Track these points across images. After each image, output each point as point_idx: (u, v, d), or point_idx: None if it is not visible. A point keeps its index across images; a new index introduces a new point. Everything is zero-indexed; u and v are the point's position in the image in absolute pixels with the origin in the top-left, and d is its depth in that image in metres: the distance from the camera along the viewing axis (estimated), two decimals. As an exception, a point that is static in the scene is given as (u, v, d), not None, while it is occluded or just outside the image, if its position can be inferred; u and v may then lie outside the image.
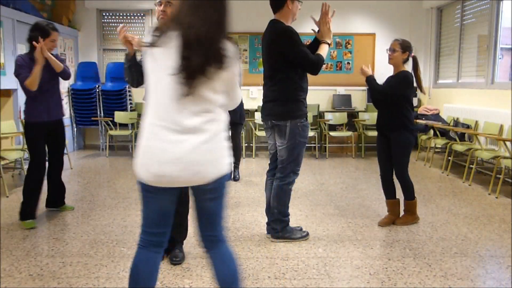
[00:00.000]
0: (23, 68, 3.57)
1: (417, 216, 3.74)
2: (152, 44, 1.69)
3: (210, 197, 1.83)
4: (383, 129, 3.64)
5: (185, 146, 1.69)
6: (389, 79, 3.62)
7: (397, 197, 3.71)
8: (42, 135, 3.75)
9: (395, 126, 3.53)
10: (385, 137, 3.63)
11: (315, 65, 3.04)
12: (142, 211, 1.87)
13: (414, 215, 3.70)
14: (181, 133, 1.70)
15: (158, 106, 1.72)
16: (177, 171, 1.70)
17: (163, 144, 1.70)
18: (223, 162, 1.79)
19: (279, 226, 3.28)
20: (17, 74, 3.61)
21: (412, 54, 3.59)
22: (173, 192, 1.82)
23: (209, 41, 1.64)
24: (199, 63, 1.63)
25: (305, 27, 7.87)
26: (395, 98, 3.51)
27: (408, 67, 3.60)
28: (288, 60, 3.05)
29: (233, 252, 1.94)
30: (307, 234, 3.37)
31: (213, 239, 1.91)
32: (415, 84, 3.58)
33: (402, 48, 3.51)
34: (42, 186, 3.74)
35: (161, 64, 1.68)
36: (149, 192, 1.81)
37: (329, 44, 3.17)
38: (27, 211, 3.65)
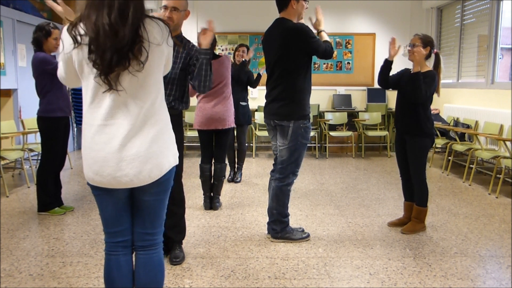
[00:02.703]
0: (51, 58, 3.75)
1: (425, 226, 3.53)
2: (75, 44, 1.61)
3: (152, 191, 1.80)
4: (403, 132, 3.46)
5: (115, 144, 1.65)
6: (412, 75, 3.35)
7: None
8: (60, 129, 3.91)
9: (417, 129, 3.35)
10: (403, 139, 3.47)
11: (329, 52, 3.13)
12: (99, 212, 1.87)
13: (422, 223, 3.51)
14: (112, 131, 1.65)
15: (89, 104, 1.68)
16: (114, 172, 1.67)
17: (96, 146, 1.67)
18: (165, 159, 1.75)
19: (278, 226, 3.28)
20: (52, 67, 3.64)
21: (435, 50, 3.40)
22: (121, 190, 1.78)
23: (113, 34, 1.55)
24: (108, 58, 1.56)
25: (305, 27, 7.82)
26: (425, 99, 3.30)
27: (430, 64, 3.44)
28: (300, 56, 3.07)
29: (162, 261, 1.92)
30: (308, 235, 3.36)
31: (148, 239, 1.87)
32: None
33: (423, 43, 3.32)
34: (57, 177, 4.01)
35: (85, 62, 1.63)
36: (99, 191, 1.79)
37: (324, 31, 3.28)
38: (48, 201, 3.92)
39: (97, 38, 1.56)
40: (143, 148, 1.68)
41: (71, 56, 1.66)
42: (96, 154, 1.68)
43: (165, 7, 2.62)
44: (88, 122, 1.70)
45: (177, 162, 1.84)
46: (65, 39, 1.65)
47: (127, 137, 1.66)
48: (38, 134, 5.47)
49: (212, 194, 4.19)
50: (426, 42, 3.34)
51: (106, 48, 1.55)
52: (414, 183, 3.48)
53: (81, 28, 1.60)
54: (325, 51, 3.10)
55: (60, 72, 1.75)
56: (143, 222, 1.86)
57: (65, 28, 1.66)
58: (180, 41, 2.73)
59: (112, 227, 1.85)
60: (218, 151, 4.19)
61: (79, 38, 1.59)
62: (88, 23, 1.58)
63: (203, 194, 4.20)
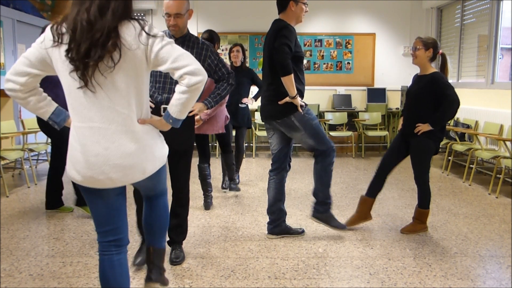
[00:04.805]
0: None
1: (426, 226, 3.52)
2: (54, 43, 1.64)
3: (143, 185, 1.92)
4: (409, 134, 3.39)
5: (98, 149, 1.67)
6: (420, 79, 3.37)
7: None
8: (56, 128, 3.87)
9: (424, 131, 3.30)
10: (405, 141, 3.45)
11: (284, 67, 2.96)
12: (90, 212, 1.89)
13: (423, 224, 3.50)
14: (95, 134, 1.67)
15: (67, 100, 1.72)
16: (96, 175, 1.69)
17: (80, 147, 1.70)
18: (149, 163, 1.77)
19: (322, 207, 3.33)
20: None
21: (440, 51, 3.37)
22: (110, 190, 1.80)
23: (90, 27, 1.57)
24: (83, 50, 1.57)
25: (305, 27, 7.88)
26: (457, 97, 3.24)
27: (435, 66, 3.42)
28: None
29: (167, 205, 2.12)
30: (344, 226, 3.45)
31: (151, 194, 2.04)
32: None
33: (425, 45, 3.30)
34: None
35: (60, 61, 1.65)
36: (87, 191, 1.81)
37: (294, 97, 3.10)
38: (58, 199, 4.00)
39: (75, 33, 1.58)
40: (127, 156, 1.69)
41: (47, 51, 1.67)
42: (79, 155, 1.70)
43: (168, 15, 2.61)
44: (72, 121, 1.74)
45: (162, 164, 1.86)
46: (47, 35, 1.67)
47: (110, 141, 1.67)
48: (38, 134, 5.51)
49: (226, 179, 4.61)
50: (428, 44, 3.32)
51: (81, 41, 1.57)
52: (416, 186, 3.47)
53: (64, 27, 1.63)
54: (283, 63, 2.94)
55: (24, 55, 1.72)
56: (145, 192, 2.02)
57: (49, 26, 1.69)
58: (187, 41, 2.73)
59: (104, 226, 1.87)
60: (222, 146, 4.49)
61: (57, 37, 1.62)
62: (69, 19, 1.61)
63: (203, 194, 4.21)
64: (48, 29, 1.68)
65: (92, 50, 1.57)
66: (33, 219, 3.82)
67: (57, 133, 3.85)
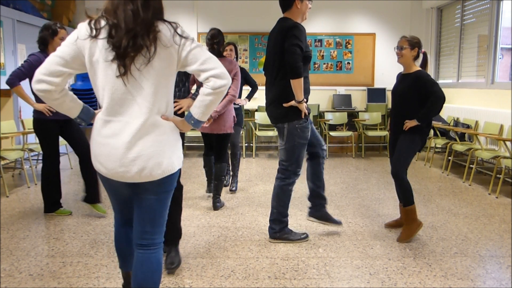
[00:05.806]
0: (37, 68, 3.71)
1: (420, 222, 3.37)
2: (92, 36, 1.67)
3: (153, 190, 1.83)
4: (397, 132, 3.42)
5: (120, 142, 1.71)
6: (404, 78, 3.41)
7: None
8: (54, 131, 3.82)
9: (411, 128, 3.32)
10: (397, 140, 3.44)
11: (295, 70, 2.92)
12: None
13: (416, 221, 3.35)
14: (119, 128, 1.72)
15: (104, 98, 1.73)
16: (117, 167, 1.73)
17: (102, 140, 1.75)
18: (168, 160, 1.77)
19: (277, 226, 3.28)
20: (31, 74, 3.61)
21: (422, 50, 3.43)
22: (124, 190, 1.86)
23: (135, 18, 1.64)
24: (125, 40, 1.62)
25: (305, 27, 7.86)
26: (421, 99, 3.30)
27: (418, 64, 3.45)
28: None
29: (161, 261, 1.93)
30: (307, 236, 3.34)
31: (147, 238, 1.88)
32: None
33: (411, 44, 3.35)
34: (60, 177, 3.95)
35: (99, 51, 1.67)
36: (104, 183, 1.90)
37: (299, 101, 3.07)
38: (53, 202, 3.92)
39: (119, 22, 1.63)
40: (147, 148, 1.72)
41: (83, 44, 1.69)
42: (103, 148, 1.75)
43: None
44: (99, 115, 1.78)
45: (181, 166, 1.87)
46: (82, 30, 1.70)
47: (134, 136, 1.71)
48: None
49: (213, 192, 4.19)
50: (413, 43, 3.36)
51: (125, 30, 1.63)
52: (394, 181, 3.42)
53: (103, 21, 1.67)
54: (294, 64, 2.90)
55: (56, 55, 1.72)
56: (143, 220, 1.87)
57: (84, 22, 1.72)
58: None
59: (120, 216, 2.02)
60: (218, 152, 4.17)
61: (95, 31, 1.66)
62: (111, 10, 1.66)
63: (207, 181, 4.37)
64: (82, 25, 1.71)
65: (131, 40, 1.62)
66: (33, 219, 3.82)
67: (49, 139, 3.82)
